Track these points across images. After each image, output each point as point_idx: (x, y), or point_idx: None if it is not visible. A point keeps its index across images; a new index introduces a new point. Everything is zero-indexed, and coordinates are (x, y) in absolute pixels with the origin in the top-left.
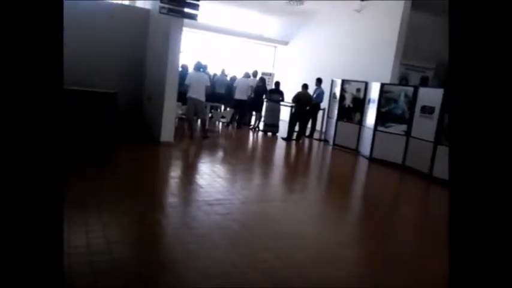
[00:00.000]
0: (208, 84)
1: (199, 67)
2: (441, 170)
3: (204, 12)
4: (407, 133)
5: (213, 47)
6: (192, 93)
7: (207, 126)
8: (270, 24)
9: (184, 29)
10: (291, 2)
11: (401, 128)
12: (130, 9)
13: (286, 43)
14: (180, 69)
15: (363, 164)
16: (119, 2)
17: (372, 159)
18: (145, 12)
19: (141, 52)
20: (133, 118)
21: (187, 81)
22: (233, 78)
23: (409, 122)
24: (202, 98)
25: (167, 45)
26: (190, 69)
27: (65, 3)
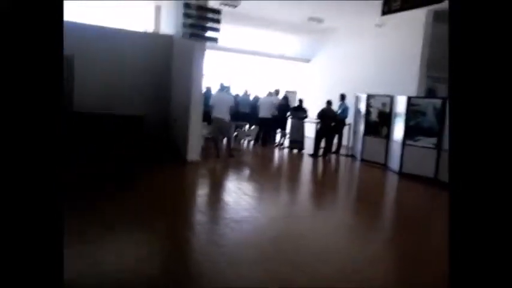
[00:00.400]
0: (232, 104)
1: (222, 88)
2: None
3: (226, 34)
4: (438, 146)
5: (236, 68)
6: (216, 114)
7: (232, 145)
8: (291, 43)
9: (207, 51)
10: (311, 22)
11: (431, 141)
12: (155, 37)
13: (308, 61)
14: (204, 90)
15: (392, 179)
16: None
17: (401, 174)
18: (168, 38)
19: (167, 76)
20: (162, 139)
21: (211, 102)
22: (256, 98)
23: (439, 134)
24: (227, 118)
25: (191, 68)
26: (214, 91)
27: (95, 33)
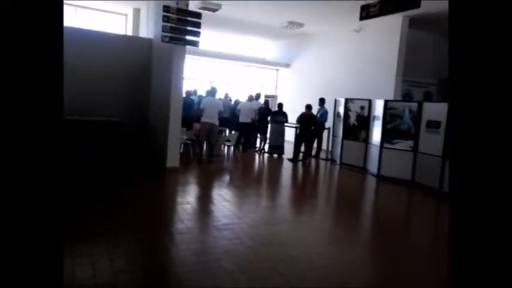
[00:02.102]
0: (222, 109)
1: (213, 92)
2: None
3: (206, 39)
4: (415, 149)
5: (215, 72)
6: (206, 118)
7: (212, 150)
8: (271, 47)
9: (187, 56)
10: (290, 26)
11: (408, 143)
12: (134, 40)
13: (287, 65)
14: (184, 95)
15: (371, 182)
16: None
17: (380, 177)
18: (148, 41)
19: (146, 80)
20: (140, 145)
21: (202, 106)
22: (236, 102)
23: (415, 137)
24: (216, 122)
25: (170, 72)
26: (193, 96)
27: (71, 36)
